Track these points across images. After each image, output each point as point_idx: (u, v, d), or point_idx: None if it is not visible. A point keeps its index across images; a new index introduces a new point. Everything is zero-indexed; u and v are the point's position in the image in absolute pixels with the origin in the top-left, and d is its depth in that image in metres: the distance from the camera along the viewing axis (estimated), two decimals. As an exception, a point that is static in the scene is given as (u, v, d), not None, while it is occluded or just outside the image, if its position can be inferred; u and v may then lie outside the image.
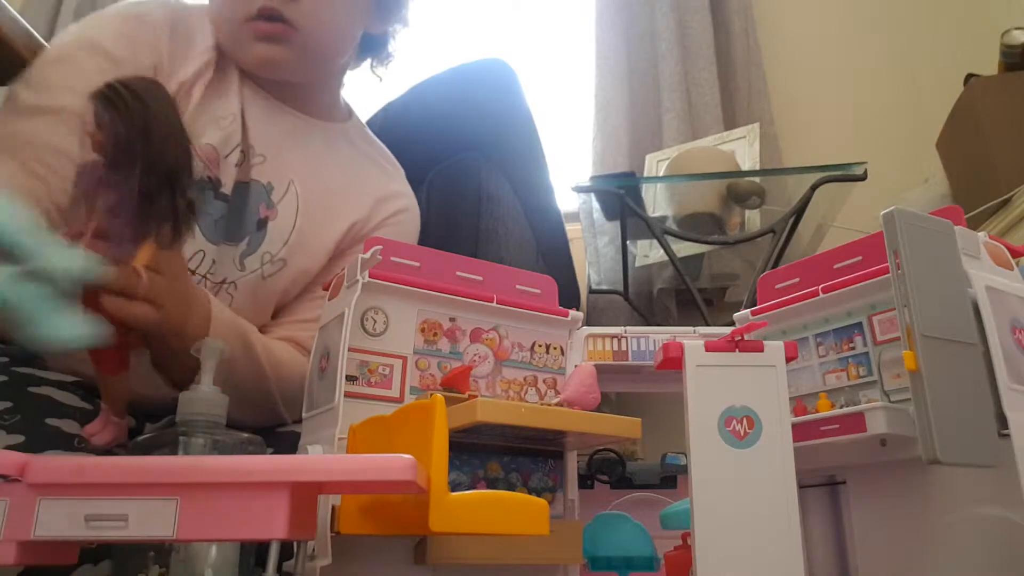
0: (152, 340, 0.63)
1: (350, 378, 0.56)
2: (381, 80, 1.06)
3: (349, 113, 1.01)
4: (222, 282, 0.84)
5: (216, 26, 0.87)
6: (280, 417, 0.81)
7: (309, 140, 0.92)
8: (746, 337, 0.50)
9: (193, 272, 0.82)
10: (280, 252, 0.87)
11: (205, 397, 0.55)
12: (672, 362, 0.50)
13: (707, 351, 0.50)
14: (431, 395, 0.43)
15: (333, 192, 0.91)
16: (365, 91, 1.11)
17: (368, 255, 0.57)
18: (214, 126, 0.84)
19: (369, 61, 1.02)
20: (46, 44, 0.83)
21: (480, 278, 0.64)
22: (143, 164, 0.52)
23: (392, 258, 0.61)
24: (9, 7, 0.77)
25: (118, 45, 0.81)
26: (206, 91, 0.85)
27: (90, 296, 0.52)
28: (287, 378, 0.80)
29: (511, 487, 0.59)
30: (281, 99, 0.91)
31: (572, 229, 1.41)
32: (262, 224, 0.86)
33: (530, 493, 0.59)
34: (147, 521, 0.34)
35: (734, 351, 0.50)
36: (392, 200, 0.96)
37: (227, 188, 0.84)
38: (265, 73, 0.88)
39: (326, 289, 0.63)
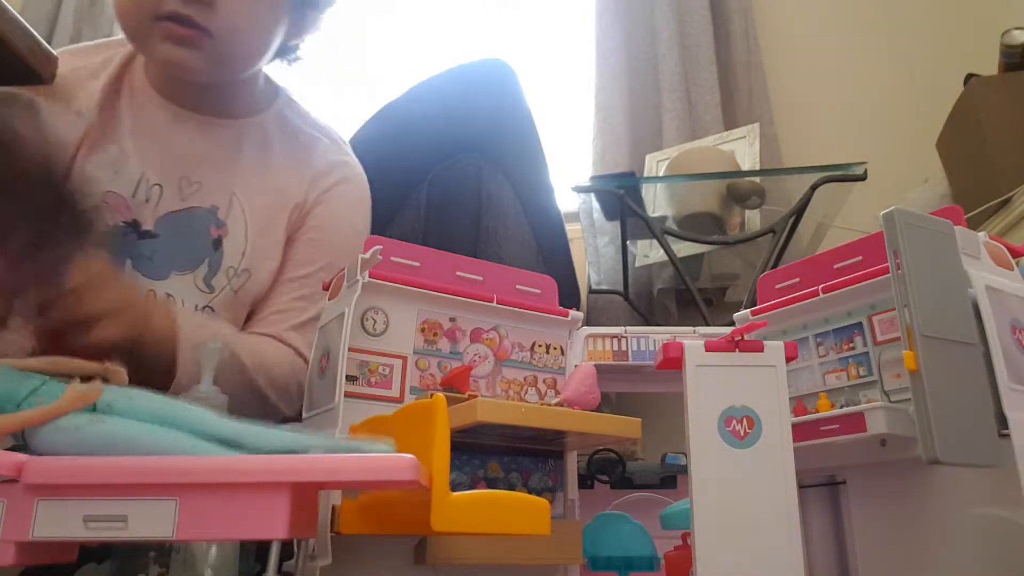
0: (125, 355, 0.63)
1: (350, 378, 0.56)
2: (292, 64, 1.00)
3: (273, 96, 0.97)
4: (198, 309, 0.85)
5: (122, 20, 0.82)
6: (276, 411, 0.81)
7: (235, 146, 0.90)
8: (746, 337, 0.50)
9: None
10: (242, 264, 0.87)
11: (205, 397, 0.55)
12: (672, 362, 0.50)
13: (707, 351, 0.50)
14: (432, 395, 0.42)
15: (267, 189, 0.90)
16: (365, 91, 1.11)
17: (368, 255, 0.57)
18: (109, 172, 0.83)
19: (276, 60, 0.96)
20: (46, 44, 0.83)
21: (480, 278, 0.64)
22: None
23: (392, 258, 0.61)
24: (9, 7, 0.77)
25: None
26: (97, 142, 0.84)
27: (48, 341, 0.51)
28: (273, 371, 0.80)
29: (511, 487, 0.59)
30: (192, 108, 0.89)
31: (572, 229, 1.41)
32: (217, 244, 0.86)
33: (530, 493, 0.59)
34: (146, 521, 0.34)
35: (734, 351, 0.50)
36: (327, 174, 0.94)
37: (149, 225, 0.84)
38: (171, 73, 0.86)
39: (326, 289, 0.63)
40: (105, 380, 0.41)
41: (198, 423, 0.39)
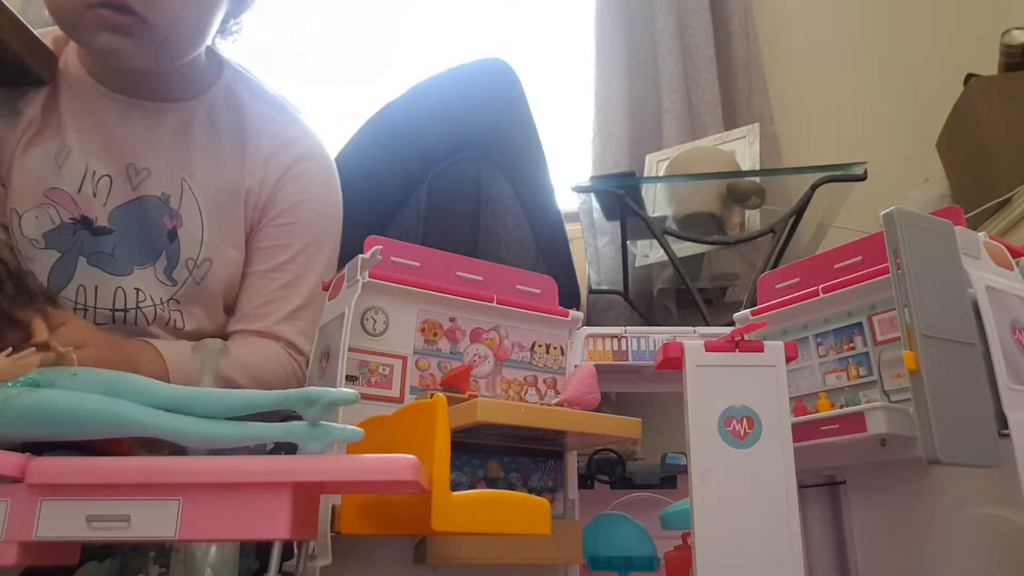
0: None
1: (350, 378, 0.56)
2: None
3: (217, 71, 0.92)
4: (164, 303, 0.84)
5: (52, 4, 0.78)
6: (275, 416, 0.81)
7: (181, 130, 0.87)
8: (746, 337, 0.50)
9: (123, 311, 0.82)
10: (201, 253, 0.85)
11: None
12: (672, 362, 0.50)
13: (707, 351, 0.50)
14: (432, 395, 0.43)
15: (220, 172, 0.87)
16: (365, 92, 1.11)
17: (368, 255, 0.57)
18: (50, 169, 0.81)
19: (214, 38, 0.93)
20: (46, 44, 0.83)
21: (480, 278, 0.64)
22: None
23: (392, 258, 0.61)
24: (9, 7, 0.77)
25: None
26: (36, 137, 0.82)
27: None
28: (265, 380, 0.80)
29: (511, 487, 0.59)
30: (132, 93, 0.85)
31: (572, 229, 1.41)
32: (172, 235, 0.84)
33: (530, 493, 0.59)
34: (149, 521, 0.34)
35: (734, 351, 0.50)
36: (282, 152, 0.90)
37: (103, 220, 0.82)
38: (108, 62, 0.83)
39: (326, 289, 0.63)
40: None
41: (146, 391, 0.38)
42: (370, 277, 0.58)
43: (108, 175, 0.83)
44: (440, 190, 1.15)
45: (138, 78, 0.85)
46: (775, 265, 1.26)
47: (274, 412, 0.46)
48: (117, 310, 0.82)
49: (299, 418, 0.38)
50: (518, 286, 0.66)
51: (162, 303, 0.84)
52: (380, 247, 0.58)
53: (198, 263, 0.85)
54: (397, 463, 0.36)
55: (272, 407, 0.39)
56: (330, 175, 0.95)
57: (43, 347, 0.42)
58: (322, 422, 0.38)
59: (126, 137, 0.85)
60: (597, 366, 0.62)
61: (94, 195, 0.82)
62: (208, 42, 0.87)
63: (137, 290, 0.82)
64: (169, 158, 0.85)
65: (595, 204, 1.51)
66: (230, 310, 0.91)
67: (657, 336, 0.70)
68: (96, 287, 0.82)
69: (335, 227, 0.94)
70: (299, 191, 0.90)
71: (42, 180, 0.81)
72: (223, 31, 0.92)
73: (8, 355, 0.37)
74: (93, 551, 0.55)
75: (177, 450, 0.45)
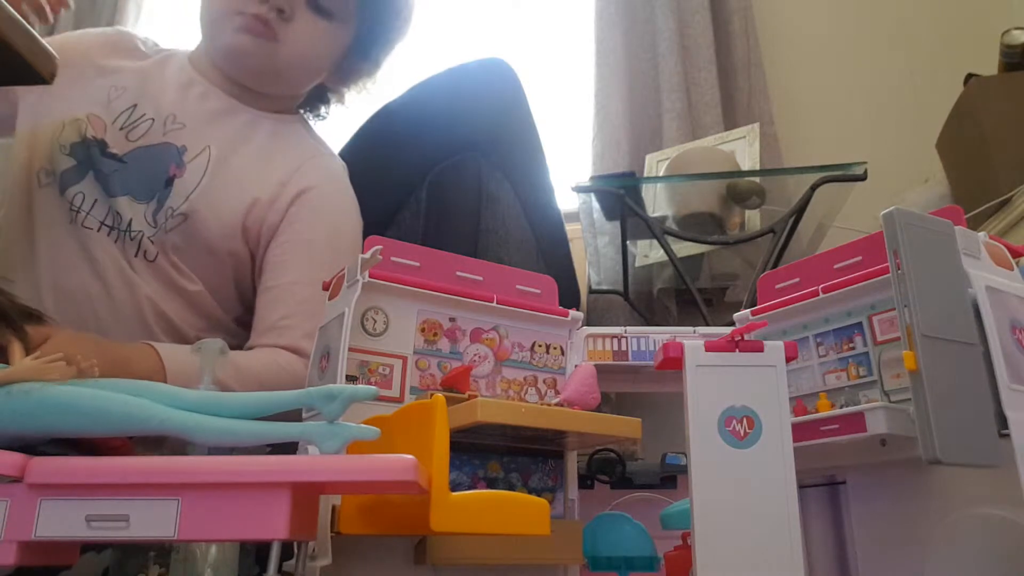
0: None
1: (350, 378, 0.56)
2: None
3: (291, 112, 1.05)
4: (141, 238, 0.90)
5: (205, 6, 0.95)
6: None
7: (236, 122, 0.98)
8: (746, 337, 0.50)
9: (112, 228, 0.90)
10: (181, 207, 0.91)
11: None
12: (672, 362, 0.50)
13: (707, 351, 0.50)
14: (431, 395, 0.43)
15: (244, 168, 0.95)
16: (365, 92, 1.11)
17: (368, 255, 0.57)
18: (101, 101, 0.95)
19: (304, 111, 1.10)
20: (46, 44, 0.83)
21: (480, 278, 0.64)
22: None
23: (392, 258, 0.61)
24: (9, 7, 0.77)
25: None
26: (100, 70, 0.97)
27: None
28: (267, 385, 0.80)
29: (511, 487, 0.59)
30: (220, 86, 0.99)
31: (572, 229, 1.41)
32: (169, 182, 0.92)
33: (530, 493, 0.59)
34: (148, 521, 0.34)
35: (734, 351, 0.50)
36: (295, 181, 0.97)
37: (116, 149, 0.93)
38: (228, 63, 0.97)
39: (326, 289, 0.63)
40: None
41: (170, 395, 0.38)
42: (370, 277, 0.58)
43: (152, 119, 0.95)
44: (440, 190, 1.15)
45: (233, 85, 0.99)
46: (775, 265, 1.26)
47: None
48: (105, 224, 0.91)
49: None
50: (518, 286, 0.66)
51: (143, 239, 0.91)
52: (380, 247, 0.58)
53: (174, 213, 0.91)
54: (396, 463, 0.36)
55: (294, 406, 0.39)
56: (334, 210, 1.00)
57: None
58: (339, 421, 0.38)
59: (186, 101, 0.97)
60: (597, 366, 0.62)
61: (120, 129, 0.94)
62: (304, 89, 1.04)
63: (125, 217, 0.91)
64: (210, 130, 0.96)
65: (595, 204, 1.51)
66: (222, 304, 0.94)
67: (657, 336, 0.70)
68: (95, 200, 0.92)
69: (355, 248, 0.98)
70: (310, 213, 0.96)
71: (92, 106, 0.95)
72: (319, 100, 1.10)
73: (35, 358, 0.37)
74: (91, 546, 0.55)
75: (177, 450, 0.46)
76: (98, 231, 0.91)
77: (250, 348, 0.90)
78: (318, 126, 1.12)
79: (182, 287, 0.91)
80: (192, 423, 0.37)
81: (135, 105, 0.96)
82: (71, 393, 0.37)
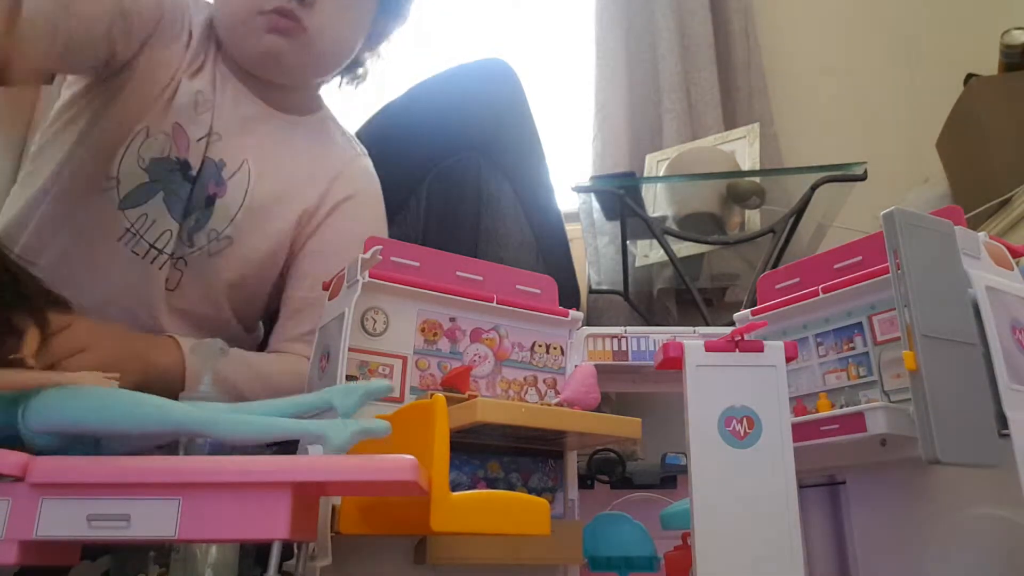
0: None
1: (350, 378, 0.56)
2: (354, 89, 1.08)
3: (318, 108, 1.00)
4: (172, 256, 0.86)
5: (227, 12, 0.88)
6: None
7: (268, 128, 0.92)
8: (746, 337, 0.50)
9: (159, 251, 0.84)
10: (226, 230, 0.87)
11: (205, 397, 0.55)
12: (672, 362, 0.50)
13: (707, 351, 0.50)
14: (431, 395, 0.43)
15: (286, 180, 0.91)
16: (365, 92, 1.11)
17: (368, 255, 0.57)
18: (191, 110, 0.85)
19: (340, 79, 1.04)
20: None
21: (480, 278, 0.64)
22: None
23: (392, 258, 0.61)
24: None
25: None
26: (188, 70, 0.86)
27: None
28: (280, 387, 0.79)
29: (511, 487, 0.59)
30: (249, 87, 0.92)
31: (572, 229, 1.41)
32: (210, 201, 0.87)
33: (530, 493, 0.59)
34: (149, 521, 0.34)
35: (734, 351, 0.50)
36: (335, 190, 0.94)
37: (195, 171, 0.85)
38: (264, 68, 0.90)
39: (326, 289, 0.63)
40: None
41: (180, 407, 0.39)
42: (370, 277, 0.58)
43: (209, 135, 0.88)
44: (440, 190, 1.15)
45: (261, 84, 0.92)
46: (775, 265, 1.26)
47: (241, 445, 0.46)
48: (155, 247, 0.84)
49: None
50: (518, 286, 0.66)
51: (173, 257, 0.85)
52: (380, 247, 0.58)
53: (219, 236, 0.87)
54: (396, 463, 0.36)
55: (313, 408, 0.39)
56: (375, 218, 0.98)
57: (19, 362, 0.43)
58: (352, 417, 0.38)
59: (222, 106, 0.88)
60: (597, 366, 0.62)
61: (196, 143, 0.86)
62: (344, 65, 0.97)
63: (170, 241, 0.84)
64: (245, 140, 0.89)
65: (595, 204, 1.51)
66: (243, 321, 0.92)
67: (657, 336, 0.70)
68: (154, 221, 0.84)
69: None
70: (350, 223, 0.94)
71: (177, 113, 0.85)
72: (353, 74, 1.03)
73: (106, 376, 0.38)
74: (88, 549, 0.56)
75: (175, 450, 0.46)
76: (143, 257, 0.84)
77: (273, 352, 0.89)
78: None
79: (204, 315, 0.87)
80: (207, 418, 0.37)
81: (211, 123, 0.87)
82: (108, 394, 0.38)
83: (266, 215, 0.89)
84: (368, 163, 1.01)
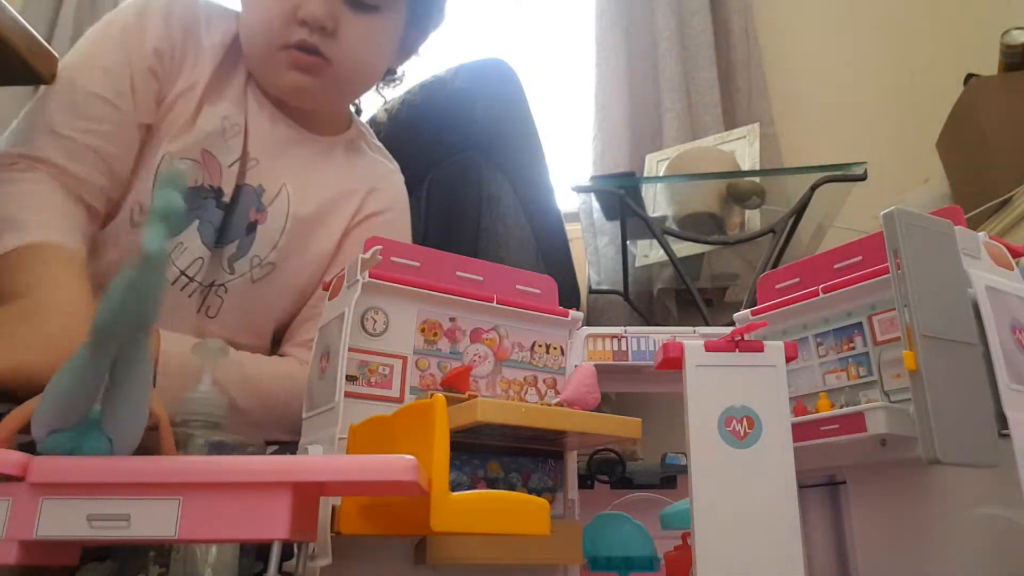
0: None
1: (350, 378, 0.56)
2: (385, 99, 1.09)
3: (348, 123, 1.00)
4: (211, 285, 0.84)
5: (248, 46, 0.87)
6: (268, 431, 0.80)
7: (304, 151, 0.92)
8: (746, 337, 0.50)
9: (190, 278, 0.82)
10: (269, 256, 0.86)
11: (205, 397, 0.55)
12: (672, 362, 0.50)
13: (707, 351, 0.50)
14: (431, 395, 0.43)
15: (325, 202, 0.91)
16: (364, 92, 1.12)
17: (368, 255, 0.57)
18: (218, 136, 0.84)
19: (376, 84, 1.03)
20: (46, 44, 0.83)
21: (480, 278, 0.64)
22: None
23: (392, 258, 0.61)
24: (9, 7, 0.77)
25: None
26: (209, 95, 0.85)
27: None
28: (271, 392, 0.79)
29: (511, 487, 0.59)
30: (283, 110, 0.91)
31: (572, 229, 1.41)
32: (251, 228, 0.86)
33: (530, 493, 0.59)
34: (149, 521, 0.34)
35: (734, 351, 0.50)
36: (367, 205, 0.94)
37: (227, 197, 0.84)
38: (293, 100, 0.89)
39: (326, 289, 0.63)
40: None
41: None
42: (370, 277, 0.58)
43: (242, 159, 0.86)
44: (440, 190, 1.16)
45: (295, 108, 0.91)
46: (775, 265, 1.26)
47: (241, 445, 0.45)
48: (185, 274, 0.82)
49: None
50: (518, 286, 0.66)
51: (214, 286, 0.84)
52: (380, 247, 0.58)
53: (262, 263, 0.86)
54: (396, 463, 0.36)
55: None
56: (400, 233, 0.97)
57: None
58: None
59: (259, 129, 0.87)
60: (597, 366, 0.62)
61: (228, 169, 0.84)
62: (371, 88, 0.97)
63: (203, 264, 0.83)
64: (281, 164, 0.88)
65: (595, 204, 1.52)
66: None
67: (657, 336, 0.70)
68: (186, 248, 0.82)
69: None
70: (380, 235, 0.93)
71: (204, 140, 0.83)
72: (386, 81, 1.02)
73: None
74: (93, 551, 0.56)
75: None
76: (172, 283, 0.82)
77: (280, 354, 0.88)
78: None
79: (245, 344, 0.85)
80: None
81: (243, 149, 0.86)
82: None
83: (308, 238, 0.88)
84: (400, 179, 1.00)
